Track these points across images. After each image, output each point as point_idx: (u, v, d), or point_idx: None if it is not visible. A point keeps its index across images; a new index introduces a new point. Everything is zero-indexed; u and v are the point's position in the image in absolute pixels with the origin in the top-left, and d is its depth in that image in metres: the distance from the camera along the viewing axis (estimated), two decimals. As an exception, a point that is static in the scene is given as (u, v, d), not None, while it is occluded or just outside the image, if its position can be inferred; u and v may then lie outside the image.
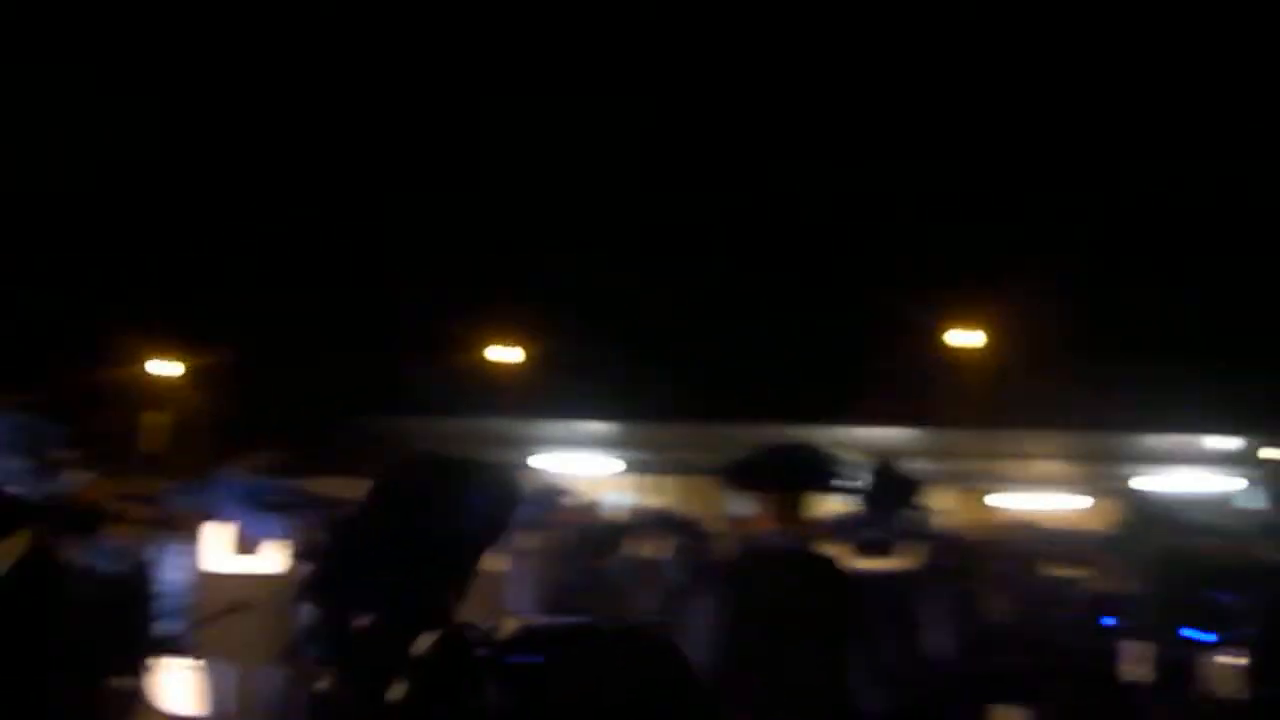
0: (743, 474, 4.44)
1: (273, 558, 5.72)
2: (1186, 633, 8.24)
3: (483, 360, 36.44)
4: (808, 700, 4.10)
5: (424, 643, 3.14)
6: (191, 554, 5.75)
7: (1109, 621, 9.69)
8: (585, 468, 30.56)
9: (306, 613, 3.35)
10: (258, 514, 5.82)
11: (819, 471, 4.42)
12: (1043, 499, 27.75)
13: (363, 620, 3.21)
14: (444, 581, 3.27)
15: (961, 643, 6.70)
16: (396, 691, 3.08)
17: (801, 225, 35.35)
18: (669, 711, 3.14)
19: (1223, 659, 7.72)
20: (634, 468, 31.93)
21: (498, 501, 3.50)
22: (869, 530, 5.62)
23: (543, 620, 3.35)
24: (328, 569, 3.45)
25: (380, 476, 3.50)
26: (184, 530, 8.30)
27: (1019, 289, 30.13)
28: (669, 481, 31.90)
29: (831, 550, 5.56)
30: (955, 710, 6.27)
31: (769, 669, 4.15)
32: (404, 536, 3.24)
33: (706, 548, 15.52)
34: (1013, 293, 30.27)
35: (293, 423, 30.12)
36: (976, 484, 29.17)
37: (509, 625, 3.14)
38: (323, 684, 3.29)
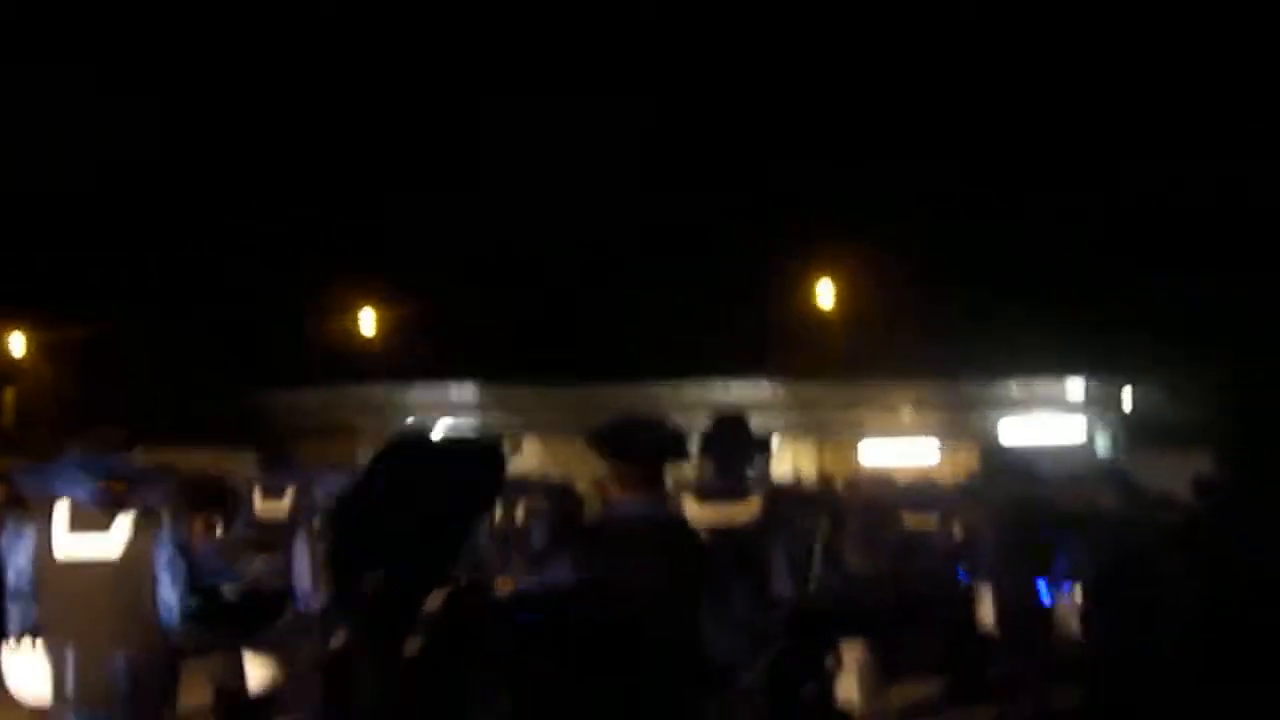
0: (600, 445, 4.53)
1: (113, 539, 5.63)
2: (1036, 579, 8.56)
3: (351, 327, 36.12)
4: (667, 658, 4.22)
5: (434, 601, 3.38)
6: (39, 534, 5.67)
7: (962, 569, 10.03)
8: (455, 432, 30.59)
9: (320, 579, 3.61)
10: (102, 492, 5.74)
11: (669, 443, 4.53)
12: (899, 448, 28.43)
13: (375, 583, 3.46)
14: (446, 547, 3.53)
15: (817, 591, 6.91)
16: (411, 645, 3.34)
17: (659, 181, 35.49)
18: (646, 664, 3.43)
19: (1070, 604, 8.05)
20: (504, 430, 32.01)
21: (487, 473, 3.76)
22: (720, 482, 5.75)
23: (532, 582, 3.60)
24: (339, 538, 3.68)
25: (384, 451, 3.72)
26: (32, 510, 8.22)
27: (873, 240, 30.67)
28: (537, 444, 32.06)
29: (686, 503, 5.72)
30: (811, 657, 6.47)
31: (628, 630, 4.27)
32: (407, 507, 3.48)
33: (575, 511, 15.71)
34: (866, 244, 30.79)
35: (157, 396, 29.64)
36: (834, 435, 29.83)
37: (505, 586, 3.38)
38: (339, 641, 3.53)
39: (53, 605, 5.71)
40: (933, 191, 32.82)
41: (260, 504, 9.90)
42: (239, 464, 19.78)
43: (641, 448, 4.50)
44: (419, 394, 32.11)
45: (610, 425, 4.59)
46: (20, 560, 5.80)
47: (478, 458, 3.78)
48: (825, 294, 33.37)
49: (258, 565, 7.55)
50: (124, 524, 5.73)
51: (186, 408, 31.46)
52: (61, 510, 5.81)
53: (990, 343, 28.38)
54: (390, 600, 3.47)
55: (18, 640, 5.75)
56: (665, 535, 4.48)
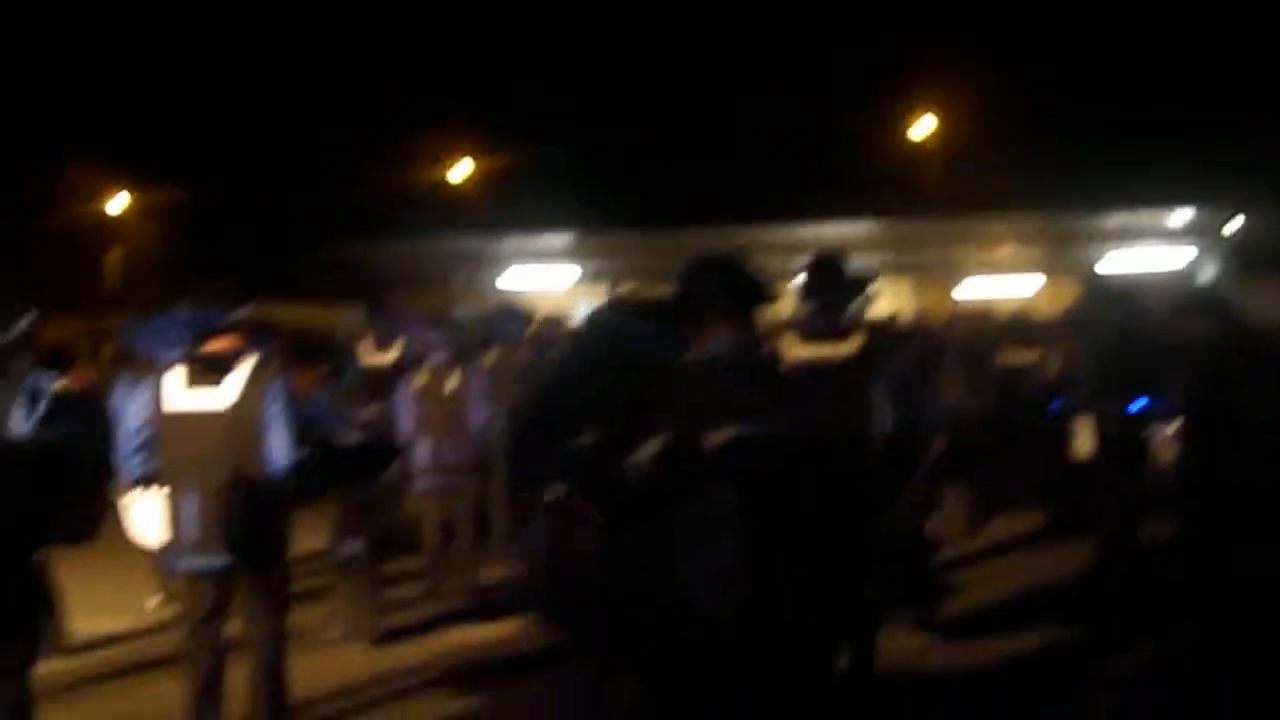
0: (680, 286, 4.56)
1: (226, 391, 5.83)
2: (1133, 409, 8.52)
3: (441, 179, 36.23)
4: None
5: (646, 451, 3.56)
6: (153, 388, 5.89)
7: (1060, 402, 10.00)
8: (547, 280, 30.72)
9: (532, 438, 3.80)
10: (214, 344, 5.92)
11: (744, 282, 4.54)
12: (999, 284, 28.08)
13: (585, 440, 3.71)
14: (652, 401, 3.75)
15: (917, 424, 6.95)
16: (626, 495, 3.56)
17: (750, 24, 34.86)
18: (857, 507, 3.60)
19: (1165, 435, 8.02)
20: (594, 277, 32.06)
21: (666, 336, 4.03)
22: (819, 322, 5.76)
23: (745, 428, 3.71)
24: (549, 397, 3.97)
25: (591, 316, 4.10)
26: (143, 366, 8.50)
27: (972, 72, 29.97)
28: (634, 289, 32.10)
29: (785, 343, 5.75)
30: (910, 486, 6.54)
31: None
32: (616, 366, 3.81)
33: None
34: (965, 76, 30.11)
35: (255, 253, 30.12)
36: (932, 273, 29.47)
37: (718, 435, 3.54)
38: (554, 495, 3.73)
39: (169, 456, 5.93)
40: (1034, 20, 31.91)
41: (366, 356, 10.12)
42: (343, 317, 20.17)
43: (718, 287, 4.53)
44: (514, 243, 32.20)
45: (688, 265, 4.61)
46: (136, 413, 6.02)
47: (668, 316, 4.04)
48: (922, 128, 32.79)
49: (365, 415, 7.77)
50: (235, 377, 5.92)
51: (287, 263, 31.93)
52: (174, 365, 6.01)
53: (1093, 174, 27.77)
54: (606, 453, 3.67)
55: (137, 489, 6.01)
56: (751, 371, 4.54)
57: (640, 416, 3.73)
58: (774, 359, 4.90)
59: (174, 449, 5.90)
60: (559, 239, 31.72)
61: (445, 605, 8.59)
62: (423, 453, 8.58)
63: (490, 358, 9.99)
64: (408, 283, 29.88)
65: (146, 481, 5.97)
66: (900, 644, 6.43)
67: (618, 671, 3.75)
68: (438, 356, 8.71)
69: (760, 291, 4.51)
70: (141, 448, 5.99)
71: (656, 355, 3.88)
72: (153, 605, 8.76)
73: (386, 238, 31.94)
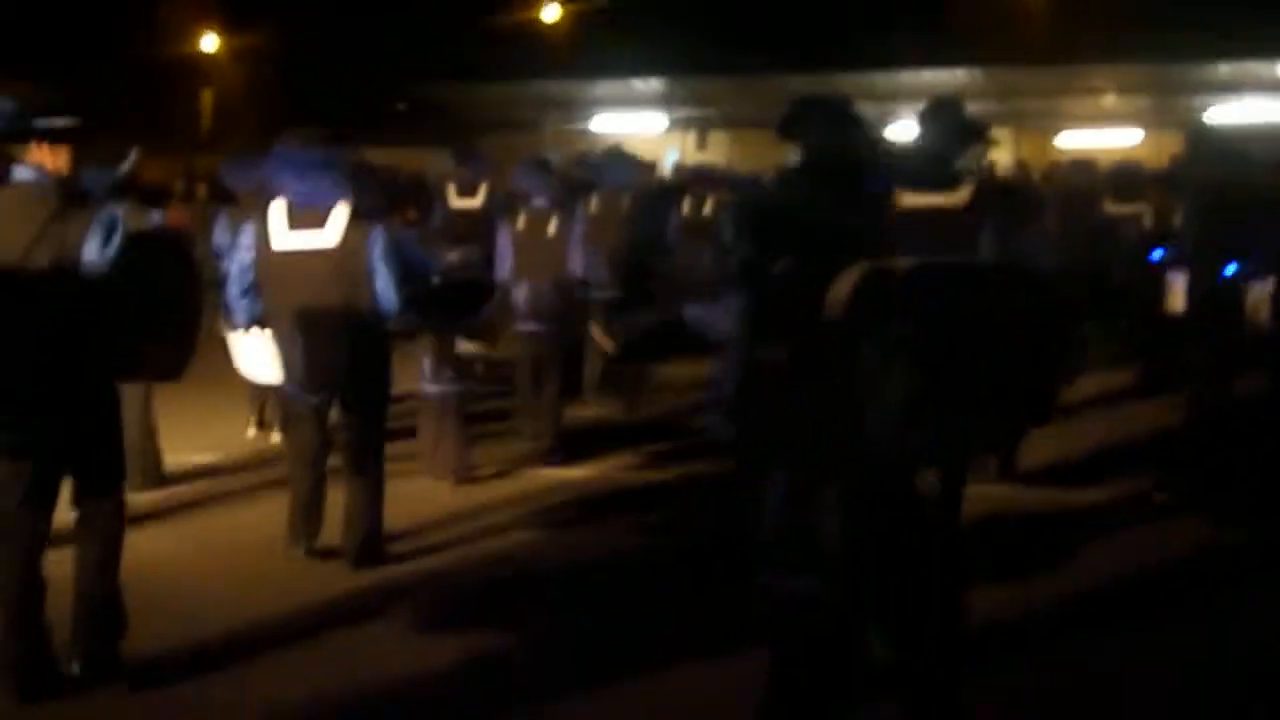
0: (782, 127, 4.49)
1: (330, 231, 5.90)
2: (1231, 265, 8.31)
3: (533, 23, 35.80)
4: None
5: (846, 279, 3.66)
6: (258, 228, 5.97)
7: (1160, 255, 9.77)
8: (640, 126, 30.44)
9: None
10: (314, 185, 5.96)
11: (847, 122, 4.46)
12: (1102, 136, 27.40)
13: (786, 264, 3.91)
14: (855, 230, 3.91)
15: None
16: (820, 317, 3.67)
17: None
18: (1042, 332, 3.68)
19: (1263, 291, 7.84)
20: (687, 124, 31.76)
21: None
22: (931, 169, 5.65)
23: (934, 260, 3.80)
24: (753, 225, 4.09)
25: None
26: (242, 205, 8.60)
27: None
28: (723, 136, 31.78)
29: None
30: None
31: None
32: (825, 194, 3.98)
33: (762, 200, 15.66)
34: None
35: (345, 96, 30.09)
36: (1033, 124, 28.82)
37: (903, 264, 3.68)
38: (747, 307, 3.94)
39: (276, 294, 6.04)
40: None
41: (455, 199, 10.11)
42: (430, 160, 20.17)
43: (820, 127, 4.45)
44: (604, 89, 31.89)
45: (790, 106, 4.54)
46: (242, 254, 6.11)
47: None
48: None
49: (454, 257, 7.81)
50: (339, 217, 5.96)
51: (376, 106, 31.91)
52: (278, 205, 6.06)
53: (1201, 22, 26.76)
54: (801, 282, 3.80)
55: (247, 329, 6.13)
56: (850, 208, 4.48)
57: (840, 246, 3.85)
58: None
59: (281, 288, 6.01)
60: (650, 85, 31.35)
61: (533, 446, 8.68)
62: (520, 296, 8.60)
63: (594, 203, 9.92)
64: (497, 127, 29.79)
65: (255, 321, 6.11)
66: (979, 491, 6.39)
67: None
68: (538, 201, 8.67)
69: (860, 130, 4.48)
70: (249, 288, 6.11)
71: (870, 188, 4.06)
72: (250, 436, 8.95)
73: (476, 81, 31.76)
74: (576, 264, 8.56)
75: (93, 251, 4.44)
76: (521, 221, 8.60)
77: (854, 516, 3.81)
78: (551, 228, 8.53)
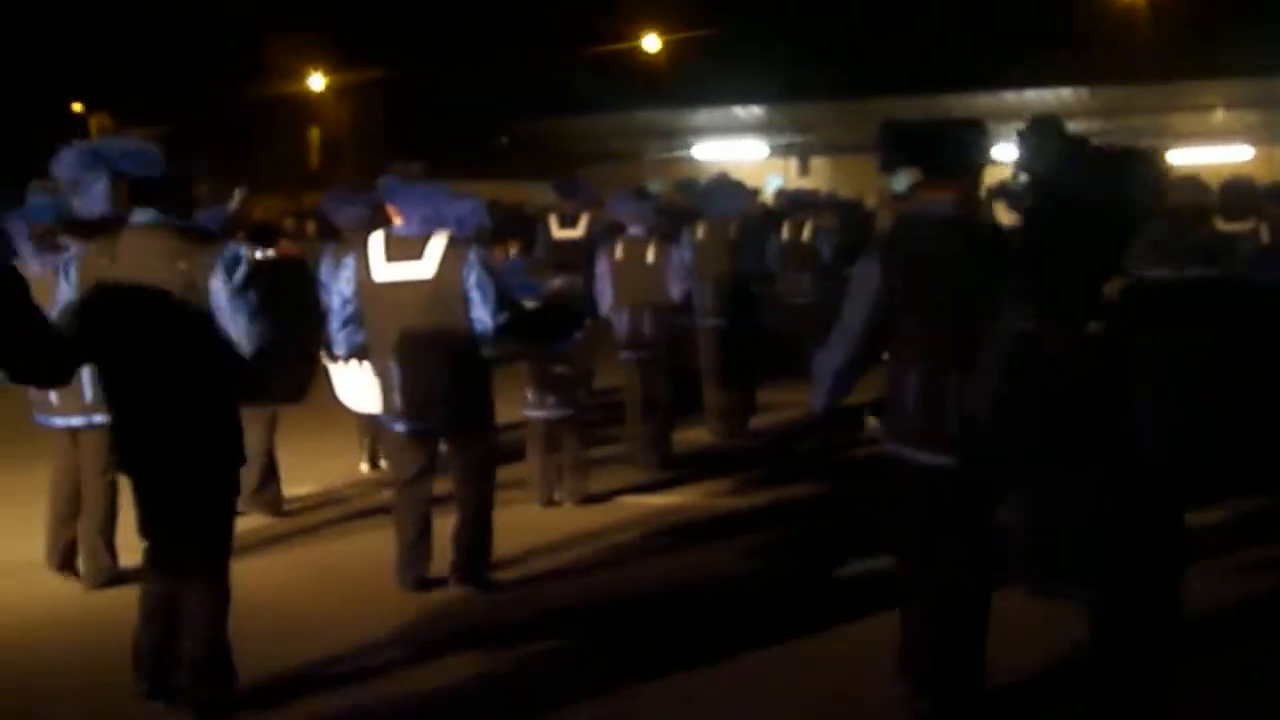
0: (894, 152, 4.50)
1: (427, 261, 6.02)
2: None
3: (633, 53, 36.02)
4: (963, 354, 4.30)
5: (1112, 289, 3.89)
6: (359, 261, 6.11)
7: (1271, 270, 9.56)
8: (741, 153, 30.46)
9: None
10: (420, 221, 6.09)
11: (975, 145, 4.47)
12: (1211, 153, 26.86)
13: (1062, 274, 4.06)
14: (1120, 243, 4.08)
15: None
16: (1094, 326, 3.89)
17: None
18: None
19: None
20: (788, 150, 31.71)
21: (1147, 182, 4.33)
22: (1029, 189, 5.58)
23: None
24: (1041, 236, 4.24)
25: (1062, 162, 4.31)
26: (347, 240, 8.78)
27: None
28: (825, 162, 31.69)
29: (997, 210, 5.61)
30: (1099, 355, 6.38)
31: (929, 325, 4.38)
32: (1094, 209, 4.08)
33: (864, 226, 15.57)
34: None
35: (449, 130, 30.51)
36: (1142, 141, 28.32)
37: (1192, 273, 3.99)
38: (1021, 324, 4.05)
39: (376, 325, 6.18)
40: None
41: (557, 230, 10.21)
42: (533, 193, 20.37)
43: (942, 149, 4.47)
44: (704, 117, 31.97)
45: (912, 127, 4.57)
46: (343, 286, 6.25)
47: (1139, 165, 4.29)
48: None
49: (556, 284, 7.90)
50: (436, 248, 6.08)
51: (481, 140, 32.29)
52: (378, 238, 6.20)
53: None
54: (1077, 288, 3.96)
55: (347, 360, 6.25)
56: (967, 233, 4.49)
57: (1111, 255, 4.06)
58: (986, 221, 4.88)
59: (381, 318, 6.15)
60: (750, 112, 31.38)
61: (643, 473, 8.70)
62: (620, 324, 8.66)
63: (700, 231, 9.96)
64: (599, 158, 30.01)
65: (357, 352, 6.26)
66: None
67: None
68: (635, 229, 8.73)
69: (982, 151, 4.59)
70: (350, 319, 6.26)
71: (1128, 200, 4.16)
72: (364, 470, 9.06)
73: (578, 113, 32.02)
74: (677, 291, 8.59)
75: (219, 286, 4.56)
76: (619, 250, 8.66)
77: (1117, 516, 3.96)
78: (649, 255, 8.57)
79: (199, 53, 36.13)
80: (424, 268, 6.07)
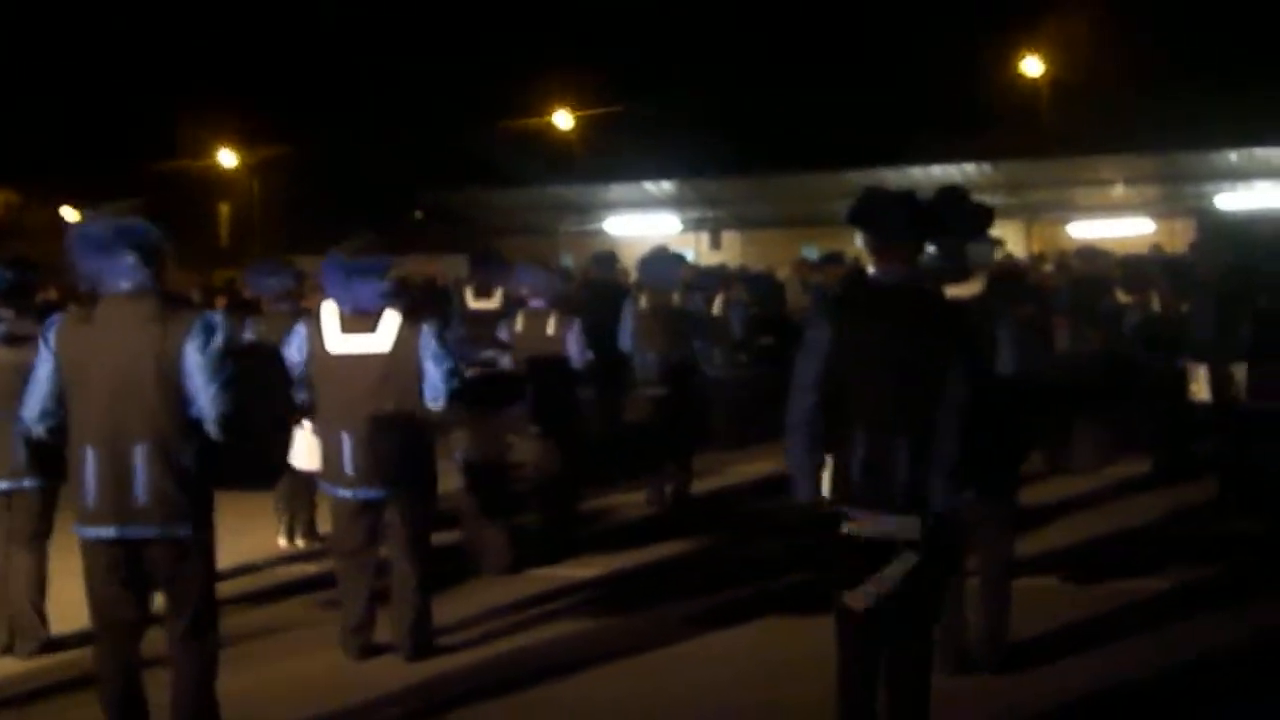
0: (855, 219, 4.63)
1: (382, 335, 6.12)
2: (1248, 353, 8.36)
3: (546, 129, 36.31)
4: (911, 418, 4.42)
5: None
6: (309, 331, 6.21)
7: (1174, 344, 9.81)
8: (653, 228, 30.65)
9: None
10: (363, 293, 6.18)
11: (918, 216, 4.62)
12: (1112, 226, 27.50)
13: None
14: None
15: (1037, 363, 6.87)
16: None
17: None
18: None
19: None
20: (700, 225, 31.99)
21: None
22: (941, 261, 5.69)
23: None
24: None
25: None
26: (266, 312, 8.75)
27: (1081, 12, 29.30)
28: (735, 236, 32.01)
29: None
30: (1031, 425, 6.50)
31: (878, 392, 4.45)
32: None
33: (776, 298, 15.73)
34: (1075, 16, 29.44)
35: (362, 204, 30.49)
36: (1044, 215, 28.98)
37: None
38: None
39: (327, 395, 6.29)
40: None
41: (472, 301, 10.22)
42: (447, 265, 20.37)
43: (892, 221, 4.59)
44: (617, 191, 32.21)
45: (863, 200, 4.69)
46: (293, 353, 6.28)
47: None
48: (1033, 67, 32.11)
49: (487, 354, 7.96)
50: (389, 322, 6.21)
51: (391, 213, 32.28)
52: (330, 309, 6.26)
53: (1207, 113, 27.04)
54: None
55: (294, 421, 6.25)
56: (920, 301, 4.64)
57: None
58: (934, 289, 5.01)
59: (332, 388, 6.26)
60: (661, 188, 31.67)
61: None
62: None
63: (643, 301, 10.08)
64: (513, 231, 30.09)
65: (301, 415, 6.30)
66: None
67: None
68: (536, 302, 8.78)
69: (930, 223, 4.78)
70: (297, 384, 6.24)
71: None
72: (281, 545, 8.92)
73: (491, 187, 32.15)
74: (578, 362, 8.63)
75: (193, 354, 4.59)
76: (520, 322, 8.69)
77: None
78: (550, 328, 8.61)
79: (107, 128, 35.87)
80: (380, 340, 6.21)
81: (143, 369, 4.60)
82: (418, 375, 6.17)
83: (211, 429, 4.65)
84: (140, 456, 4.61)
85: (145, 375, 4.60)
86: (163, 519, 4.65)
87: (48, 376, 4.75)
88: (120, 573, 4.71)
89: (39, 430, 4.85)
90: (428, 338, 6.20)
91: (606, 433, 11.55)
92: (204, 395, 4.62)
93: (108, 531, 4.65)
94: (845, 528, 4.51)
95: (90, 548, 4.72)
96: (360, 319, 6.23)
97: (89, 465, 4.65)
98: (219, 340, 4.65)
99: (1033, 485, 8.86)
